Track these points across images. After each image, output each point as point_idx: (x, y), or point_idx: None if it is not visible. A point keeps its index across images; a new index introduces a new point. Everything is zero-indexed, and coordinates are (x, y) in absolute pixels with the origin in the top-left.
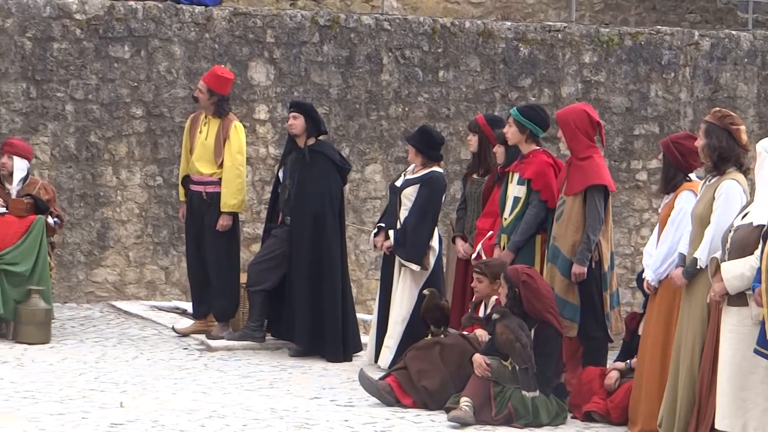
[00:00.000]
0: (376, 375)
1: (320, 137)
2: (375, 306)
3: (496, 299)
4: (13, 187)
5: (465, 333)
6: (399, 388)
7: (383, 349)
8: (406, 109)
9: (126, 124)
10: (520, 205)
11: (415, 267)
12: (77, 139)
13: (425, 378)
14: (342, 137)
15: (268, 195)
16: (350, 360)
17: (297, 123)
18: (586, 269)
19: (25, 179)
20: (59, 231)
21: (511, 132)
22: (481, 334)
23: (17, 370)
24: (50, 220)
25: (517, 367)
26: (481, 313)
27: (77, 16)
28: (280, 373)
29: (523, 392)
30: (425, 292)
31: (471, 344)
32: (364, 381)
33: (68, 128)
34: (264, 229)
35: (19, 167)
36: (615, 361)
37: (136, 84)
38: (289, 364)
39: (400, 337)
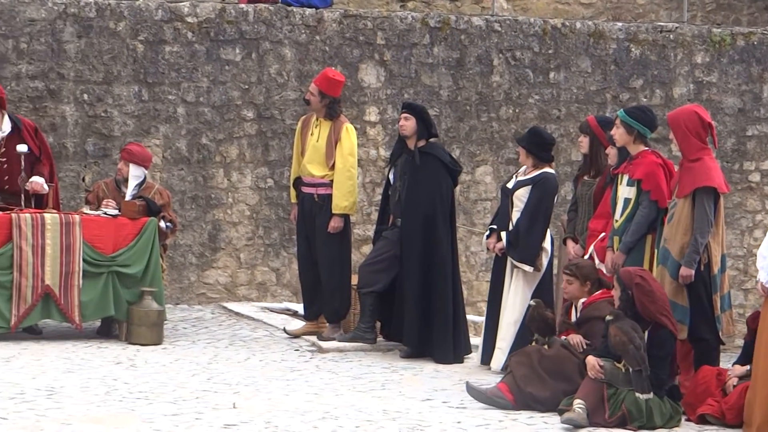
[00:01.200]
0: (485, 378)
1: (431, 140)
2: (486, 308)
3: (584, 302)
4: (128, 193)
5: (564, 339)
6: (508, 392)
7: (496, 351)
8: (517, 110)
9: (237, 126)
10: (630, 206)
11: (528, 268)
12: (189, 142)
13: (530, 384)
14: (452, 139)
15: (379, 197)
16: (461, 362)
17: (408, 124)
18: (693, 272)
19: (141, 184)
20: (171, 236)
21: (618, 133)
22: (577, 341)
23: (130, 371)
24: (162, 224)
25: (631, 369)
26: (572, 317)
27: (189, 19)
28: (391, 374)
29: (637, 394)
30: (531, 302)
31: (572, 353)
32: (473, 392)
33: (180, 131)
34: (375, 231)
35: (135, 174)
36: (734, 364)
37: (247, 86)
38: (401, 365)
39: (513, 339)
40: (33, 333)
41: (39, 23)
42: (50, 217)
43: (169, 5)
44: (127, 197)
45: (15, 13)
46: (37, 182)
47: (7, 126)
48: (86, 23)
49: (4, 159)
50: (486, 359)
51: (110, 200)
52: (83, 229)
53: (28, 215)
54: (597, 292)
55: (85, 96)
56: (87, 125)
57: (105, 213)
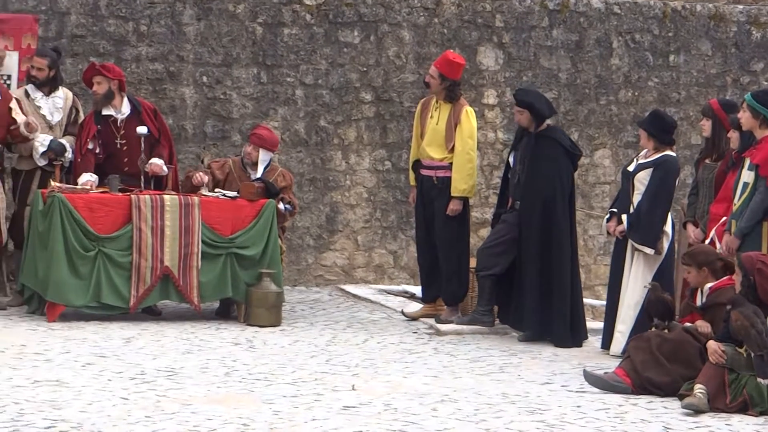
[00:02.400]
0: (603, 362)
1: (549, 120)
2: (606, 291)
3: (710, 287)
4: (256, 174)
5: (688, 325)
6: (626, 377)
7: (615, 334)
8: (636, 93)
9: (355, 108)
10: (748, 190)
11: (649, 251)
12: (307, 124)
13: (649, 369)
14: (571, 122)
15: (497, 180)
16: (579, 345)
17: (522, 118)
18: None
19: (266, 167)
20: (291, 219)
21: (744, 117)
22: (702, 325)
23: (249, 352)
24: (281, 206)
25: (753, 354)
26: (698, 302)
27: (307, 2)
28: (510, 357)
29: (759, 380)
30: (647, 285)
31: (694, 337)
32: (590, 378)
33: (298, 113)
34: (493, 214)
35: (263, 159)
36: None
37: (365, 69)
38: (519, 348)
39: (633, 323)
40: (152, 314)
41: (159, 6)
42: (169, 198)
43: None
44: (256, 176)
45: None
46: (157, 164)
47: (126, 108)
48: (205, 5)
49: (124, 141)
50: (607, 343)
51: (199, 174)
52: (202, 211)
53: (147, 197)
54: (724, 278)
55: (204, 78)
56: (206, 107)
57: (224, 195)
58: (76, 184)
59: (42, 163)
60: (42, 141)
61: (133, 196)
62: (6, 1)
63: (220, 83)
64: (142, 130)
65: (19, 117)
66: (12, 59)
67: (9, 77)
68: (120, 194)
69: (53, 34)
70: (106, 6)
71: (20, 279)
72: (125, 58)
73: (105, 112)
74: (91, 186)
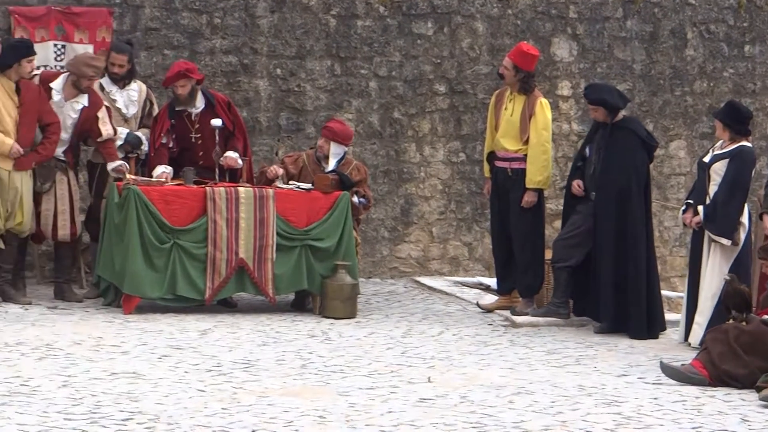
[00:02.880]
0: (680, 354)
1: (623, 111)
2: (685, 283)
3: None
4: (329, 169)
5: (766, 317)
6: (703, 369)
7: (693, 326)
8: (711, 84)
9: (429, 100)
10: None
11: (726, 242)
12: (381, 116)
13: (726, 361)
14: (646, 113)
15: None
16: (656, 337)
17: (598, 114)
18: None
19: (340, 160)
20: (365, 212)
21: None
22: None
23: (325, 344)
24: (355, 199)
25: None
26: None
27: None
28: (585, 349)
29: None
30: (726, 277)
31: None
32: (667, 370)
33: (372, 105)
34: (564, 205)
35: (335, 152)
36: None
37: (439, 61)
38: (595, 340)
39: (711, 313)
40: (228, 306)
41: None
42: (244, 190)
43: None
44: (329, 168)
45: None
46: (232, 157)
47: (201, 103)
48: None
49: (199, 135)
50: (687, 335)
51: (274, 167)
52: (277, 203)
53: (222, 189)
54: None
55: (278, 71)
56: (280, 99)
57: (298, 187)
58: (151, 176)
59: (120, 157)
60: (119, 134)
61: (207, 188)
62: None
63: (294, 75)
64: (216, 122)
65: (105, 129)
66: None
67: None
68: (195, 186)
69: (127, 28)
70: None
71: (96, 271)
72: (199, 51)
73: (179, 106)
74: (166, 178)
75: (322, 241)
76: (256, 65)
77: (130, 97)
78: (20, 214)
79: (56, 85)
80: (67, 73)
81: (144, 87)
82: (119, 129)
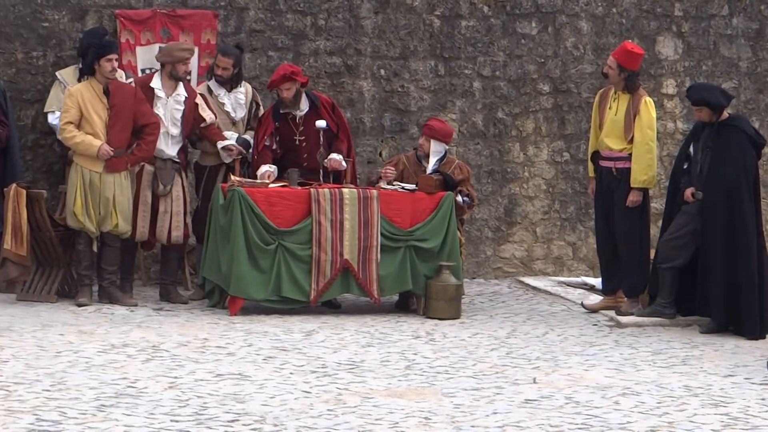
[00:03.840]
0: None
1: (729, 110)
2: None
3: None
4: (429, 168)
5: None
6: None
7: None
8: None
9: (533, 100)
10: None
11: None
12: (485, 116)
13: None
14: (752, 111)
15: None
16: (764, 338)
17: (702, 114)
18: None
19: (441, 159)
20: (469, 211)
21: None
22: None
23: (429, 345)
24: (459, 198)
25: None
26: None
27: None
28: (691, 350)
29: None
30: None
31: None
32: None
33: (476, 105)
34: (666, 204)
35: (436, 150)
36: None
37: (543, 60)
38: (700, 341)
39: None
40: (332, 307)
41: (337, 0)
42: (348, 192)
43: None
44: (430, 168)
45: None
46: (336, 159)
47: (305, 105)
48: None
49: (303, 137)
50: None
51: (390, 169)
52: (381, 204)
53: (326, 190)
54: None
55: (382, 71)
56: (384, 100)
57: (402, 188)
58: (255, 178)
59: (229, 160)
60: (229, 138)
61: (312, 189)
62: None
63: (398, 76)
64: (321, 123)
65: (206, 114)
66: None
67: (189, 73)
68: (299, 188)
69: (232, 30)
70: (284, 1)
71: (202, 273)
72: (303, 53)
73: (284, 109)
74: (269, 177)
75: (427, 241)
76: (360, 66)
77: (238, 100)
78: (115, 216)
79: (156, 83)
80: (161, 68)
81: (250, 89)
82: (227, 133)
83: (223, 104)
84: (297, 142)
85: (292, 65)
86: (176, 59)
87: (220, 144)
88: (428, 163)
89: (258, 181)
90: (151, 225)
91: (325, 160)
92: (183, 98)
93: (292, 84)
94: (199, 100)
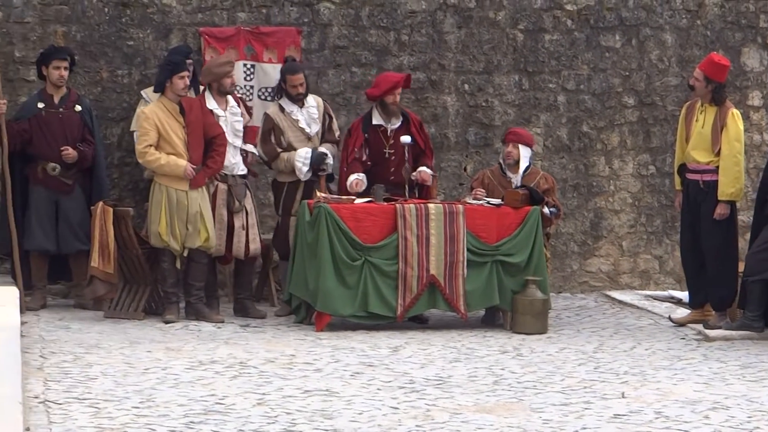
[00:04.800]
0: None
1: None
2: None
3: None
4: (518, 176)
5: None
6: None
7: None
8: None
9: (618, 113)
10: None
11: None
12: (569, 130)
13: None
14: None
15: None
16: None
17: None
18: None
19: (526, 170)
20: (556, 222)
21: None
22: None
23: (517, 360)
24: (546, 210)
25: None
26: None
27: (568, 7)
28: None
29: None
30: None
31: None
32: None
33: (560, 119)
34: (754, 217)
35: (525, 155)
36: None
37: (627, 73)
38: None
39: None
40: (420, 322)
41: (420, 15)
42: (434, 207)
43: None
44: (516, 181)
45: (396, 6)
46: (425, 171)
47: (399, 118)
48: (466, 14)
49: (393, 151)
50: None
51: (480, 190)
52: (467, 219)
53: (412, 206)
54: None
55: (466, 86)
56: (468, 115)
57: (488, 202)
58: (344, 190)
59: (306, 178)
60: (303, 158)
61: (397, 205)
62: (269, 14)
63: (482, 91)
64: (405, 139)
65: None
66: (276, 71)
67: (272, 89)
68: (385, 203)
69: (316, 46)
70: (367, 17)
71: (289, 289)
72: (387, 68)
73: (375, 121)
74: (359, 185)
75: (513, 256)
76: (444, 81)
77: (311, 115)
78: (204, 231)
79: (211, 104)
80: (207, 89)
81: (320, 101)
82: (301, 150)
83: (297, 120)
84: (386, 155)
85: (394, 74)
86: (219, 75)
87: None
88: (515, 172)
89: (344, 197)
90: (227, 240)
91: (414, 173)
92: (238, 111)
93: (399, 92)
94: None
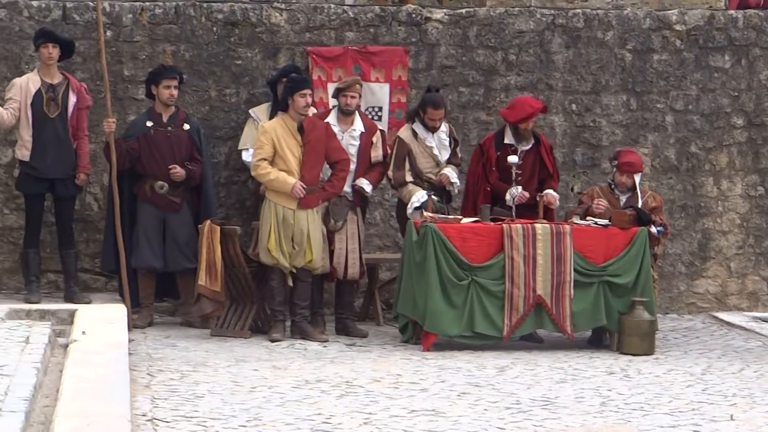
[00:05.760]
0: None
1: None
2: None
3: None
4: (626, 196)
5: None
6: None
7: None
8: None
9: (727, 134)
10: None
11: None
12: (677, 150)
13: None
14: None
15: None
16: None
17: None
18: None
19: (633, 189)
20: (663, 240)
21: None
22: None
23: (624, 381)
24: (653, 229)
25: None
26: None
27: (677, 27)
28: None
29: None
30: None
31: None
32: None
33: (668, 139)
34: None
35: (637, 181)
36: None
37: (736, 94)
38: None
39: None
40: (533, 341)
41: (528, 34)
42: (541, 227)
43: (657, 14)
44: (625, 197)
45: (504, 26)
46: (551, 194)
47: (531, 140)
48: (574, 34)
49: (521, 171)
50: None
51: (602, 200)
52: (574, 239)
53: (519, 226)
54: None
55: (574, 106)
56: (575, 135)
57: (595, 223)
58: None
59: (412, 218)
60: (418, 200)
61: (504, 225)
62: (377, 33)
63: (590, 111)
64: (512, 159)
65: (375, 153)
66: (383, 91)
67: (380, 109)
68: (491, 223)
69: (423, 66)
70: (475, 36)
71: (397, 308)
72: (494, 88)
73: (507, 140)
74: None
75: (620, 277)
76: (552, 101)
77: (442, 141)
78: (309, 252)
79: (332, 119)
80: (336, 106)
81: (448, 126)
82: (419, 193)
83: (431, 147)
84: (514, 175)
85: (532, 102)
86: (335, 94)
87: (358, 181)
88: (624, 193)
89: (450, 216)
90: (329, 259)
91: (540, 194)
92: (358, 133)
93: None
94: (376, 137)
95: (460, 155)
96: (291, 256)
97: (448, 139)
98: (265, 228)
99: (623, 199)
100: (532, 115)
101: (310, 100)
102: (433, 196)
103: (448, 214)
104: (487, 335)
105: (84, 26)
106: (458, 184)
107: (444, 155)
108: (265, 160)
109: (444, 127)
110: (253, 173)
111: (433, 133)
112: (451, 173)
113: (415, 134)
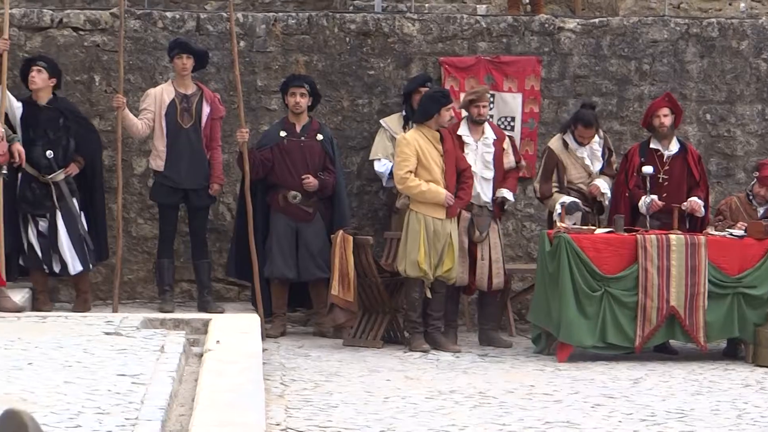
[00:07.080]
0: None
1: None
2: None
3: None
4: (764, 207)
5: None
6: None
7: None
8: None
9: None
10: None
11: None
12: None
13: None
14: None
15: None
16: None
17: None
18: None
19: None
20: None
21: None
22: None
23: (760, 394)
24: None
25: None
26: None
27: None
28: None
29: None
30: None
31: None
32: None
33: None
34: None
35: None
36: None
37: None
38: None
39: None
40: (667, 352)
41: (661, 44)
42: (675, 238)
43: None
44: (763, 208)
45: (638, 35)
46: (696, 202)
47: (675, 145)
48: (709, 43)
49: (667, 177)
50: None
51: (740, 223)
52: (708, 250)
53: (653, 236)
54: None
55: (708, 116)
56: (710, 145)
57: (731, 234)
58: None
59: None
60: (565, 199)
61: (638, 236)
62: (509, 43)
63: (724, 120)
64: (647, 170)
65: (507, 159)
66: (516, 101)
67: (513, 119)
68: (625, 234)
69: (556, 76)
70: (608, 46)
71: (530, 318)
72: (627, 98)
73: (653, 145)
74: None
75: (755, 288)
76: (686, 110)
77: (594, 152)
78: (449, 261)
79: (463, 131)
80: (467, 116)
81: (602, 136)
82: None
83: (582, 158)
84: (660, 180)
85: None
86: (465, 103)
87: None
88: (762, 204)
89: (584, 227)
90: (470, 271)
91: (685, 203)
92: (491, 140)
93: (669, 111)
94: (506, 144)
95: (615, 165)
96: (433, 266)
97: (600, 149)
98: (414, 241)
99: (761, 210)
100: (649, 110)
101: (452, 113)
102: (584, 205)
103: (599, 226)
104: (619, 346)
105: (217, 37)
106: (609, 195)
107: (596, 166)
108: (411, 172)
109: (597, 139)
110: (399, 186)
111: (585, 144)
112: (602, 184)
113: (566, 144)
